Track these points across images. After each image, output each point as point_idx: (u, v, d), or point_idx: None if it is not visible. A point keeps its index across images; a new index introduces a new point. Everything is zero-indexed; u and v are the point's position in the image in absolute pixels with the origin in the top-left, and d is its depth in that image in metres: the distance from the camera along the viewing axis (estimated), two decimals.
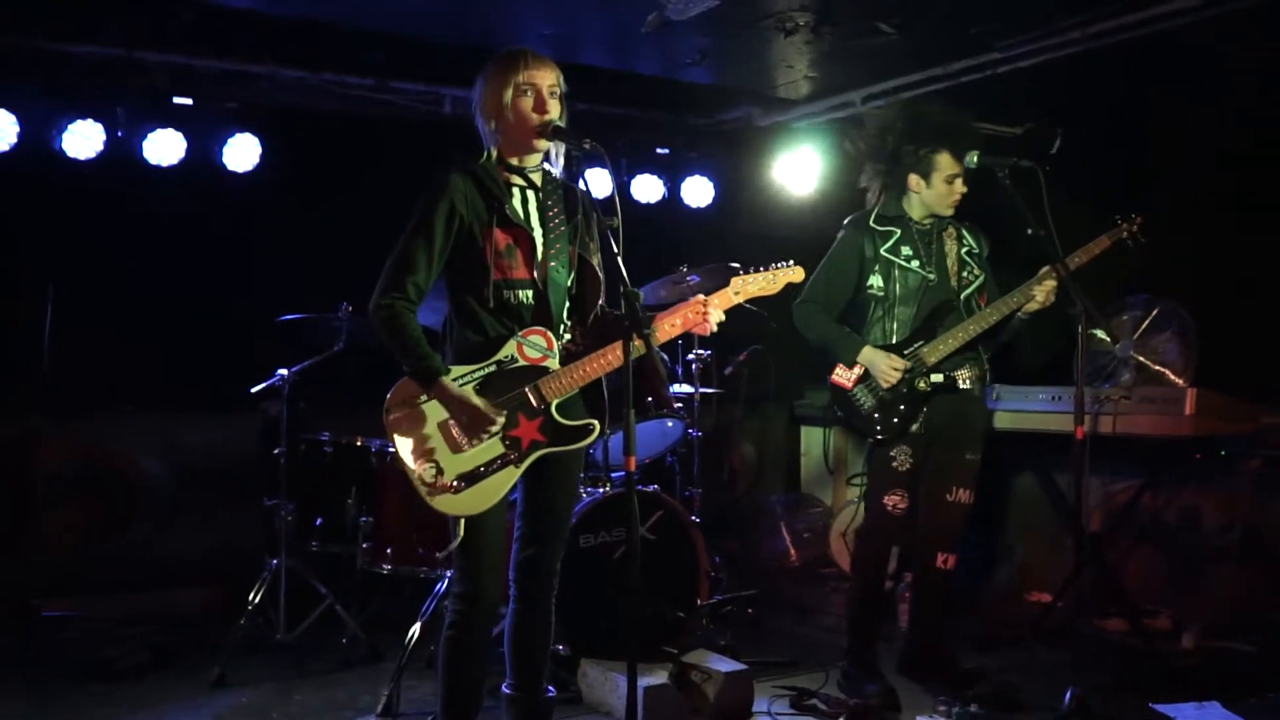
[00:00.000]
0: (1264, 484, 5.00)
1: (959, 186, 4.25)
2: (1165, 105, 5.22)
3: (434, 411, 3.11)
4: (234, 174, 5.73)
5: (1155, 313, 5.00)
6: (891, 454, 4.24)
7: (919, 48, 5.39)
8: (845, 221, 4.42)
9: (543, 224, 3.24)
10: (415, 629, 4.27)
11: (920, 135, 4.27)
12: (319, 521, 4.73)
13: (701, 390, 5.42)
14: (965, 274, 4.32)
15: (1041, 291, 4.10)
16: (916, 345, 4.22)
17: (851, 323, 4.37)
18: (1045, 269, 4.11)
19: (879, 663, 4.30)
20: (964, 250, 4.35)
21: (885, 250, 4.27)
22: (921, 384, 4.19)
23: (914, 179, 4.28)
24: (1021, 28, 5.13)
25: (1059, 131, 5.32)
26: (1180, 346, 4.94)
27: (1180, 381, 4.84)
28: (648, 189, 6.87)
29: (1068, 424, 4.03)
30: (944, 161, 4.22)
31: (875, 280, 4.28)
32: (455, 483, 3.10)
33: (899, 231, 4.29)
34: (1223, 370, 4.83)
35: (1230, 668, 4.62)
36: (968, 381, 4.27)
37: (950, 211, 4.31)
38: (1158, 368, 4.92)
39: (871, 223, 4.32)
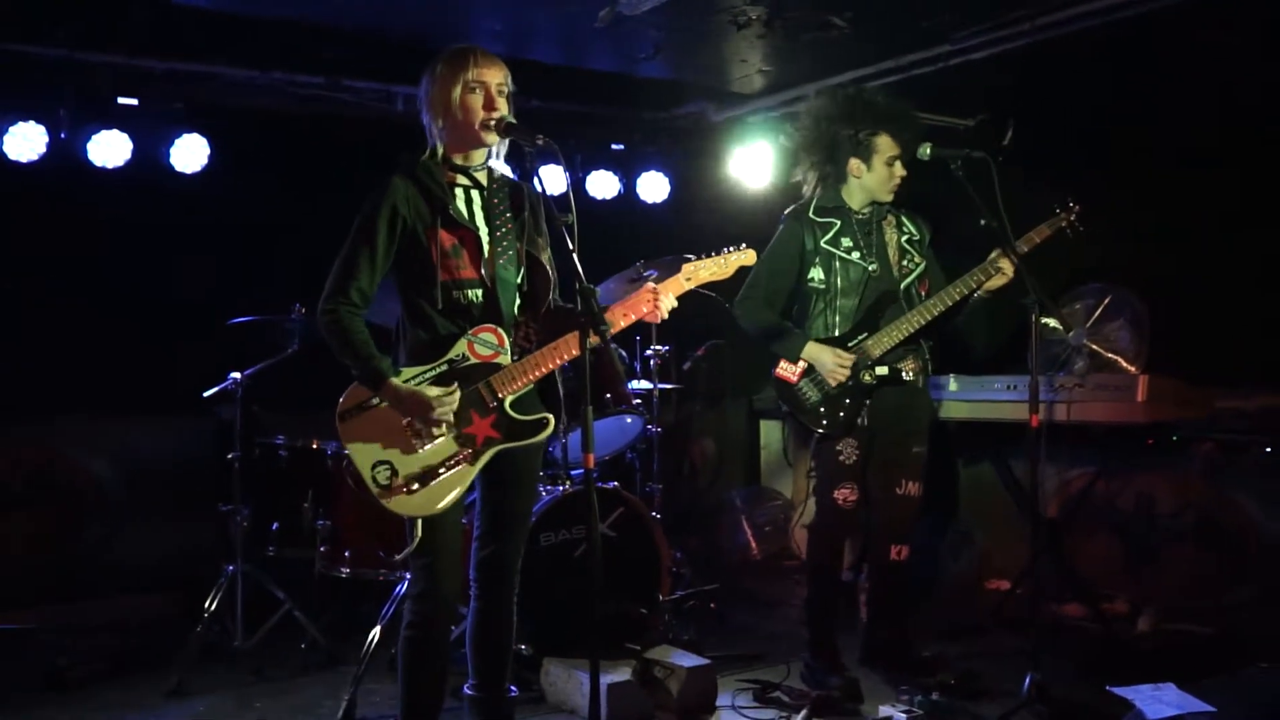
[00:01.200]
0: (1216, 468, 5.08)
1: (899, 169, 4.25)
2: (1116, 95, 5.27)
3: (386, 413, 3.08)
4: (182, 175, 5.64)
5: (1107, 301, 5.05)
6: (838, 448, 4.24)
7: (871, 40, 5.40)
8: (784, 214, 4.40)
9: (489, 222, 3.22)
10: (375, 632, 4.23)
11: (858, 119, 4.26)
12: (275, 526, 4.67)
13: (660, 386, 5.42)
14: (905, 262, 4.32)
15: (1008, 266, 4.08)
16: (860, 338, 4.21)
17: (793, 315, 4.36)
18: (996, 251, 4.13)
19: (840, 655, 4.32)
20: (904, 238, 4.36)
21: (825, 242, 4.26)
22: (866, 377, 4.19)
23: (854, 163, 4.27)
24: (972, 19, 5.15)
25: (1011, 122, 5.37)
26: (1132, 334, 4.99)
27: (1133, 369, 4.89)
28: (603, 185, 6.85)
29: (1023, 412, 4.06)
30: (884, 144, 4.22)
31: (816, 273, 4.27)
32: (410, 484, 3.07)
33: (839, 223, 4.28)
34: (1175, 356, 4.89)
35: (1187, 649, 4.69)
36: (912, 373, 4.28)
37: (890, 197, 4.30)
38: (1111, 355, 4.97)
39: (811, 214, 4.31)
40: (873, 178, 4.26)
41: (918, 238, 4.39)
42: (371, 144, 4.92)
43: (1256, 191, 4.85)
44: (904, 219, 4.39)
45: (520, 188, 3.33)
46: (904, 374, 4.25)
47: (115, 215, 5.53)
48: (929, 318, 4.19)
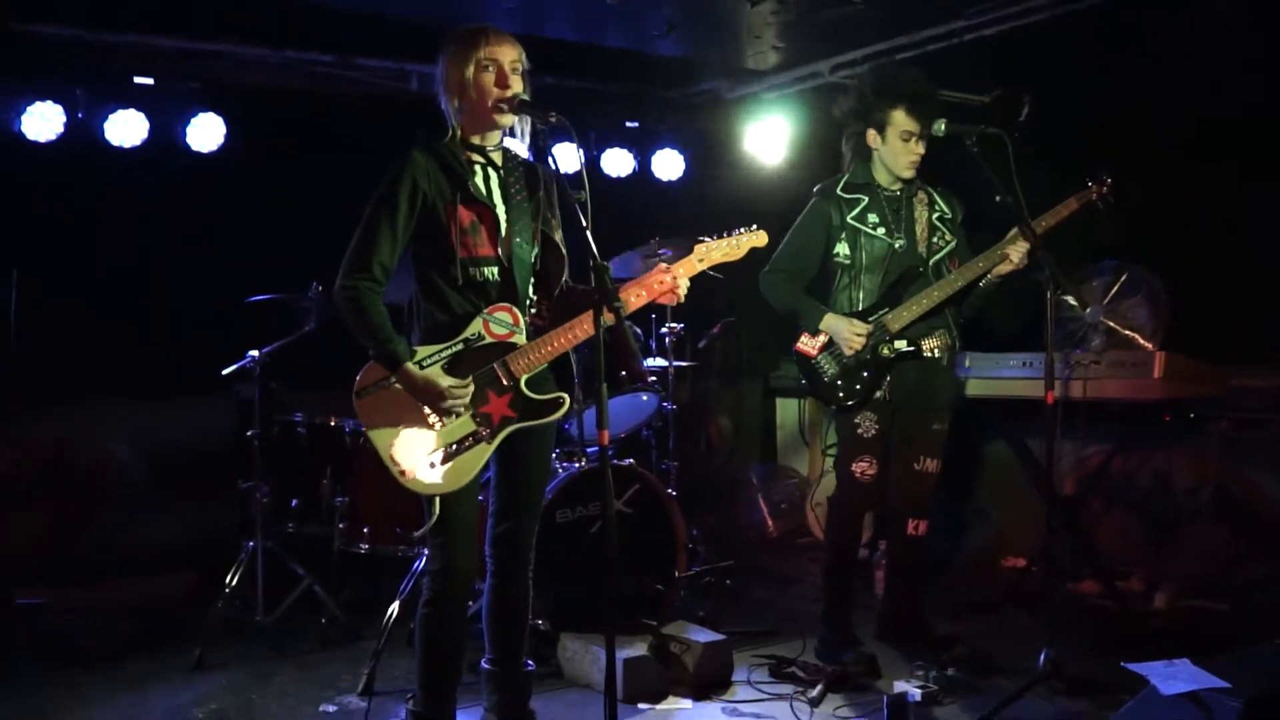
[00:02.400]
0: (1233, 445, 5.07)
1: (915, 146, 4.22)
2: (1133, 71, 5.23)
3: (403, 392, 3.10)
4: (198, 154, 5.65)
5: (1124, 278, 5.03)
6: (856, 421, 4.25)
7: (886, 16, 5.37)
8: (814, 190, 4.41)
9: (505, 201, 3.23)
10: (394, 608, 4.27)
11: (880, 91, 4.26)
12: (295, 503, 4.72)
13: (675, 364, 5.42)
14: (935, 239, 4.32)
15: (1015, 252, 4.09)
16: (880, 312, 4.22)
17: (819, 291, 4.37)
18: (1013, 231, 4.12)
19: (856, 630, 4.34)
20: (935, 216, 4.35)
21: (852, 218, 4.27)
22: (885, 350, 4.19)
23: (871, 134, 4.26)
24: None
25: (1027, 98, 5.33)
26: (1149, 311, 4.97)
27: (1149, 346, 4.87)
28: (618, 162, 6.84)
29: (1039, 390, 4.05)
30: (899, 118, 4.20)
31: (842, 248, 4.27)
32: (427, 461, 3.09)
33: (866, 199, 4.28)
34: (1192, 334, 4.87)
35: (1203, 626, 4.70)
36: (935, 350, 4.27)
37: (909, 173, 4.28)
38: (1127, 332, 4.95)
39: (839, 190, 4.32)
40: (888, 151, 4.25)
41: (949, 216, 4.38)
42: (386, 122, 4.93)
43: (1276, 168, 4.81)
44: (937, 197, 4.38)
45: (535, 167, 3.34)
46: (925, 350, 4.24)
47: (133, 195, 5.56)
48: (950, 291, 4.18)
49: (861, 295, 4.26)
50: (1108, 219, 4.22)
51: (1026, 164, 3.95)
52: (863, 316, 4.23)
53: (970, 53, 5.47)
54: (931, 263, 4.28)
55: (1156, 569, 5.17)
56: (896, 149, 4.24)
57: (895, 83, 4.27)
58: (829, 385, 4.26)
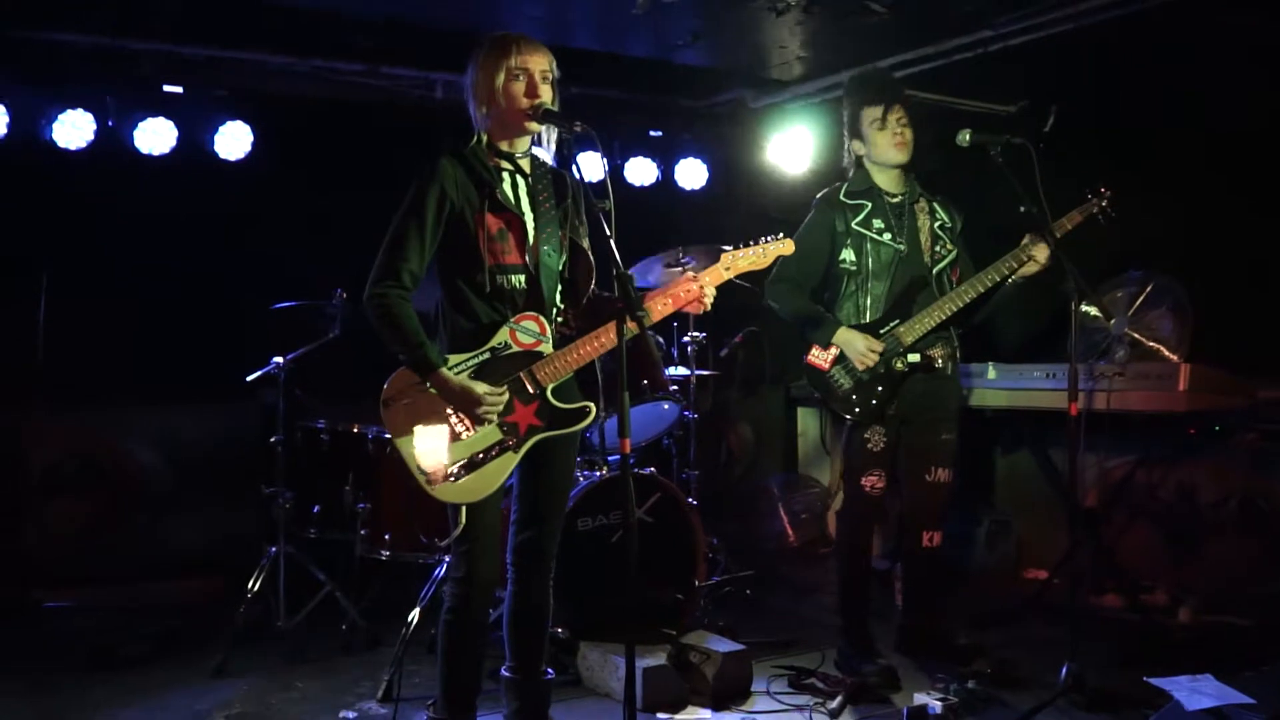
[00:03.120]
0: (1260, 458, 5.01)
1: (894, 126, 4.22)
2: (1158, 80, 5.20)
3: (432, 400, 3.11)
4: (226, 162, 5.71)
5: (1149, 289, 5.00)
6: (866, 435, 4.23)
7: (911, 26, 5.37)
8: (816, 198, 4.40)
9: (533, 208, 3.24)
10: (414, 614, 4.28)
11: (847, 103, 4.36)
12: (317, 509, 4.74)
13: (697, 372, 5.42)
14: (938, 248, 4.30)
15: (1041, 252, 4.08)
16: (892, 324, 4.20)
17: (825, 298, 4.35)
18: (1029, 236, 4.10)
19: (874, 641, 4.32)
20: (937, 224, 4.33)
21: (856, 224, 4.25)
22: (899, 364, 4.18)
23: (856, 144, 4.33)
24: (1014, 5, 5.11)
25: (1054, 109, 5.31)
26: (1174, 322, 4.94)
27: (1174, 357, 4.84)
28: (641, 171, 6.86)
29: (1063, 401, 4.03)
30: (866, 113, 4.27)
31: (847, 255, 4.26)
32: (454, 470, 3.11)
33: (869, 205, 4.27)
34: (1218, 345, 4.84)
35: (1227, 641, 4.64)
36: (940, 360, 4.26)
37: (902, 156, 4.26)
38: (1152, 344, 4.92)
39: (842, 197, 4.30)
40: (875, 149, 4.27)
41: (950, 225, 4.37)
42: (412, 131, 4.97)
43: None
44: (937, 205, 4.37)
45: (563, 175, 3.35)
46: (936, 361, 4.23)
47: (161, 202, 5.61)
48: (962, 304, 4.17)
49: (869, 302, 4.24)
50: (1120, 230, 4.19)
51: (1052, 173, 3.94)
52: (873, 328, 4.21)
53: (996, 62, 5.45)
54: (935, 272, 4.26)
55: (1181, 583, 5.12)
56: (876, 140, 4.25)
57: (852, 88, 4.37)
58: (844, 399, 4.24)
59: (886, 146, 4.25)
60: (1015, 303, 4.32)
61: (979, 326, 4.49)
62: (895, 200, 4.30)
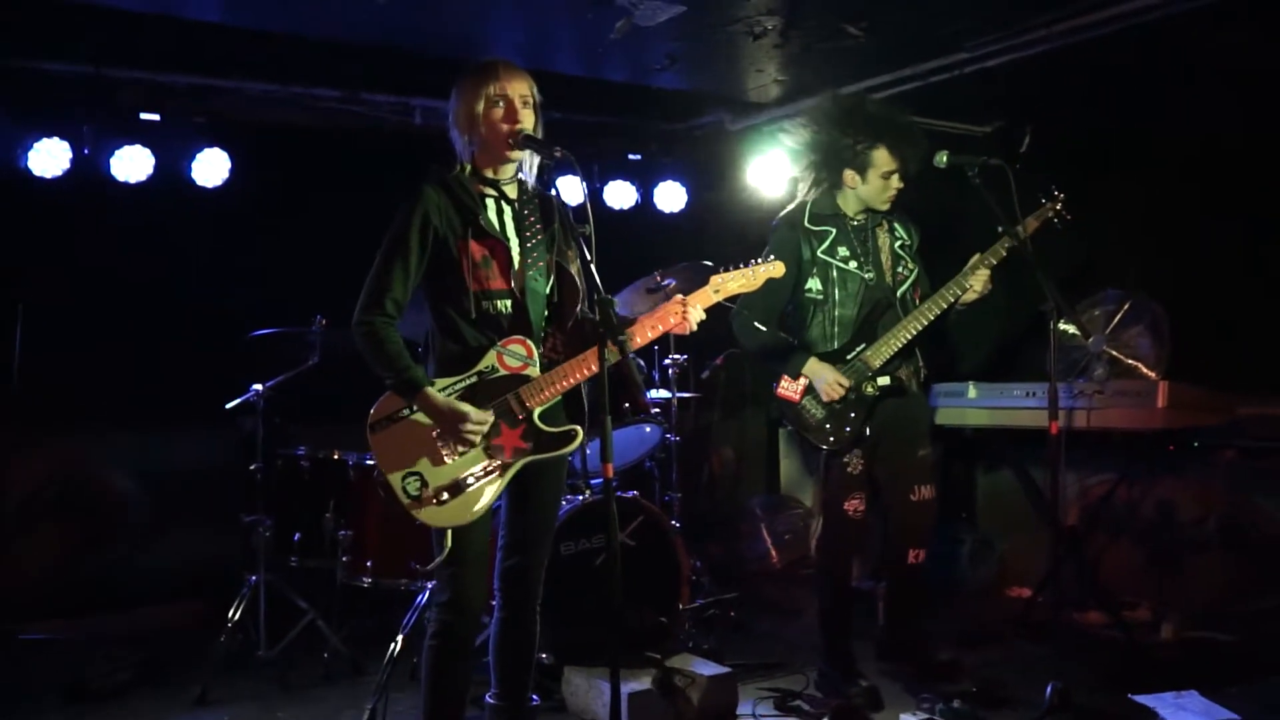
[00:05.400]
0: (1239, 474, 5.05)
1: (895, 182, 4.19)
2: (1134, 101, 5.26)
3: (417, 425, 3.11)
4: (203, 189, 5.68)
5: (1127, 307, 5.04)
6: (845, 460, 4.20)
7: (887, 49, 5.40)
8: (777, 220, 4.33)
9: (519, 234, 3.24)
10: (397, 642, 4.24)
11: (858, 129, 4.20)
12: (297, 536, 4.70)
13: (679, 395, 5.42)
14: (900, 269, 4.28)
15: (978, 280, 4.09)
16: (859, 350, 4.17)
17: (790, 324, 4.32)
18: (975, 258, 4.10)
19: (856, 663, 4.30)
20: (897, 244, 4.31)
21: (822, 252, 4.20)
22: (869, 388, 4.15)
23: (849, 174, 4.21)
24: (989, 28, 5.15)
25: (1029, 129, 5.36)
26: (1152, 340, 4.98)
27: (1153, 375, 4.88)
28: (620, 195, 6.87)
29: (1043, 419, 4.05)
30: (880, 158, 4.16)
31: (814, 284, 4.21)
32: (440, 495, 3.09)
33: (834, 231, 4.23)
34: (1196, 363, 4.87)
35: (1210, 657, 4.66)
36: (907, 378, 4.26)
37: (886, 207, 4.25)
38: (1130, 362, 4.96)
39: (806, 223, 4.24)
40: (868, 189, 4.21)
41: (908, 242, 4.35)
42: (390, 156, 4.96)
43: (1278, 196, 4.83)
44: (895, 224, 4.35)
45: (551, 200, 3.34)
46: (905, 382, 4.23)
47: (138, 230, 5.58)
48: (925, 322, 4.15)
49: (837, 330, 4.20)
50: (1087, 244, 4.19)
51: (1025, 191, 3.96)
52: (840, 354, 4.18)
53: (972, 83, 5.50)
54: (899, 293, 4.24)
55: (1163, 600, 5.14)
56: (877, 187, 4.20)
57: (873, 119, 4.23)
58: (818, 429, 4.19)
59: (879, 198, 4.23)
60: (969, 325, 4.27)
61: (936, 347, 4.46)
62: (857, 224, 4.27)
